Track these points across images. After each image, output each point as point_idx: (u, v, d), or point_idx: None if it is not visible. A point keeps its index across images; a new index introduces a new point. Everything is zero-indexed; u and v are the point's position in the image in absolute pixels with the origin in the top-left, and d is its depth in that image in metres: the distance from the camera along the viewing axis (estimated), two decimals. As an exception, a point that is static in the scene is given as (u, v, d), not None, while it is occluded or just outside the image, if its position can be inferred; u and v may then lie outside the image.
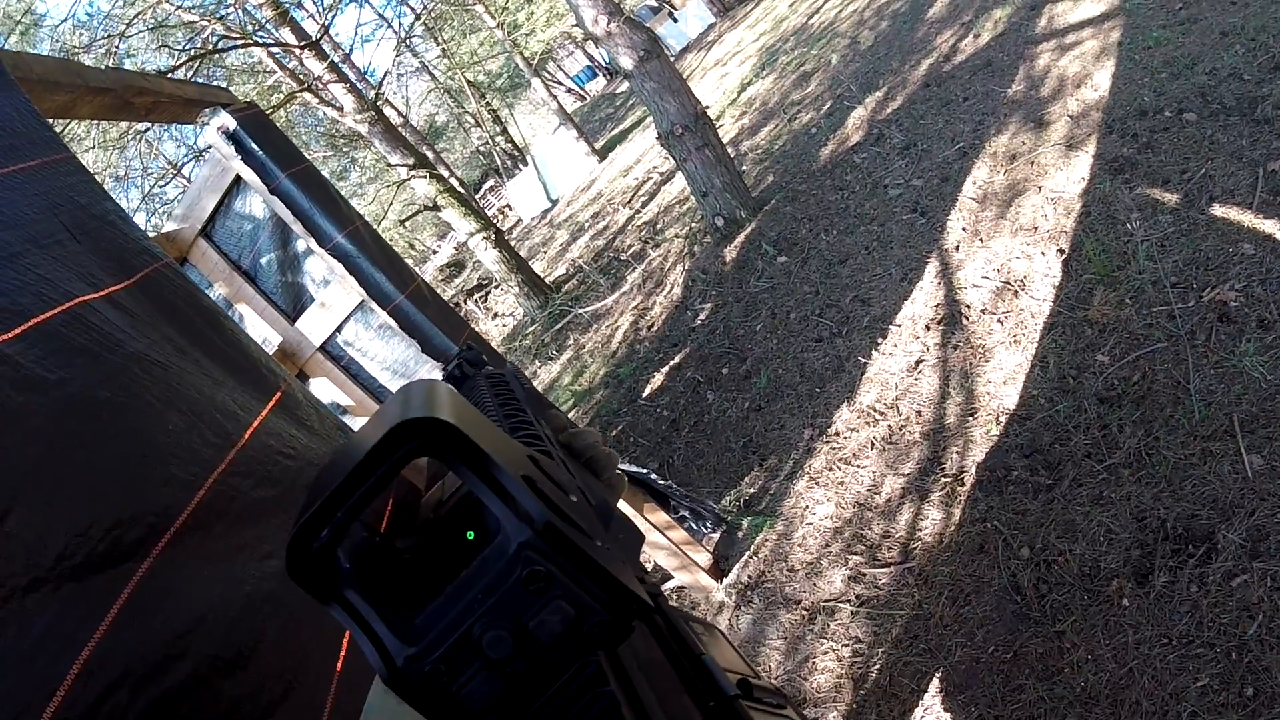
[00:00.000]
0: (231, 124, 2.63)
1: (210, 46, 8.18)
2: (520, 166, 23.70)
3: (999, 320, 3.96)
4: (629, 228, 10.52)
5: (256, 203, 2.91)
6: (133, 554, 0.99)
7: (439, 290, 18.79)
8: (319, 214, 2.75)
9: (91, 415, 1.05)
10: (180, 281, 1.47)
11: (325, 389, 3.21)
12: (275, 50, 9.24)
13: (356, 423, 3.13)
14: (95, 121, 8.85)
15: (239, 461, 1.25)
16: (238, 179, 2.82)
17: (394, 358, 3.07)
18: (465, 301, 13.93)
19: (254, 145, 2.66)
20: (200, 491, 1.15)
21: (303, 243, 2.89)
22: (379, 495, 0.41)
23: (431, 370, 2.95)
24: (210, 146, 2.75)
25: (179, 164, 11.88)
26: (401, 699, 0.42)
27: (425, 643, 0.42)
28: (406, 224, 20.30)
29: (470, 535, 0.56)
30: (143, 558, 1.00)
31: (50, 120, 1.80)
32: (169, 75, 7.44)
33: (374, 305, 2.87)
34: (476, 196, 27.52)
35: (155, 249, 1.47)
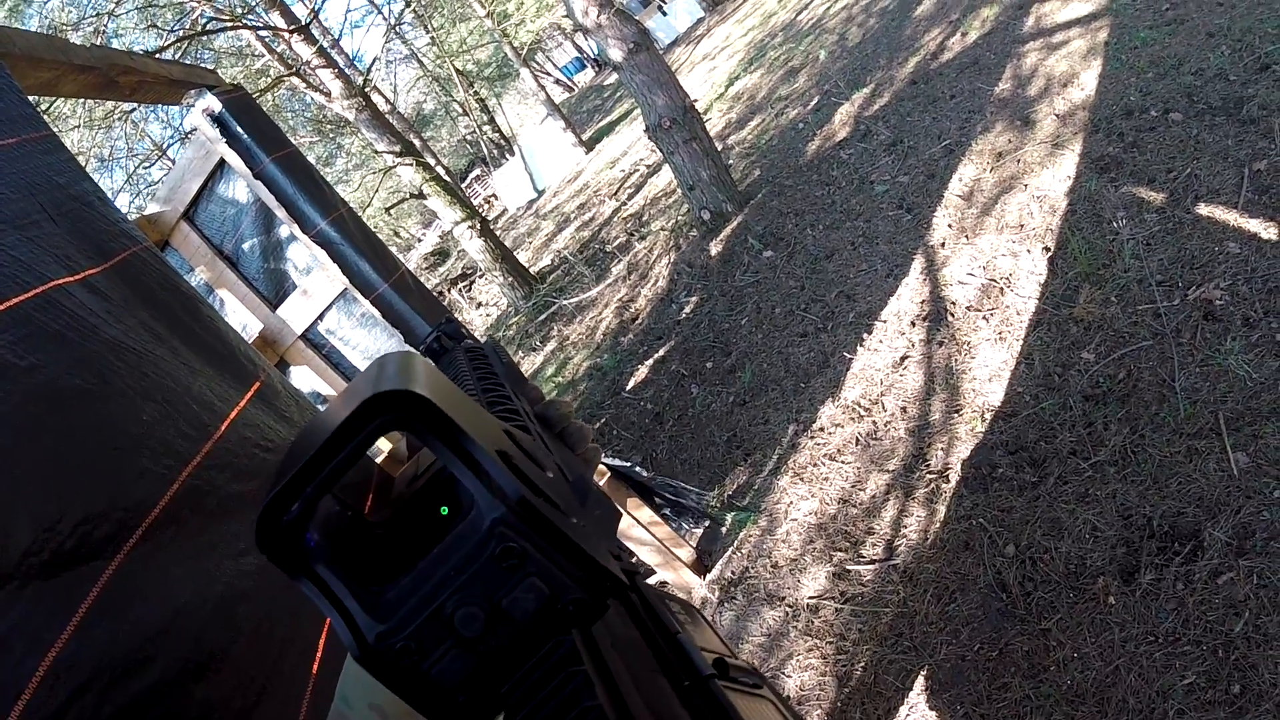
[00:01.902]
0: (217, 106, 2.59)
1: (199, 28, 8.08)
2: (507, 156, 23.60)
3: (984, 317, 3.95)
4: (615, 219, 10.48)
5: (240, 187, 2.86)
6: (102, 551, 0.97)
7: (423, 279, 18.72)
8: (303, 199, 2.72)
9: (62, 404, 1.02)
10: (159, 266, 1.44)
11: (306, 378, 3.18)
12: (264, 34, 9.14)
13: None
14: (81, 101, 8.76)
15: (215, 454, 1.23)
16: (222, 162, 2.78)
17: (377, 347, 3.04)
18: (449, 291, 13.87)
19: (239, 128, 2.62)
20: (174, 486, 1.12)
21: (286, 228, 2.85)
22: (351, 468, 0.40)
23: None
24: (195, 128, 2.71)
25: (165, 145, 11.75)
26: (377, 682, 0.41)
27: (396, 619, 0.41)
28: (392, 211, 20.17)
29: (444, 510, 0.54)
30: (113, 555, 0.98)
31: (33, 98, 1.76)
32: (156, 56, 7.36)
33: (357, 293, 2.83)
34: (463, 185, 27.41)
35: (134, 232, 1.44)
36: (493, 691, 0.43)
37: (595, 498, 0.59)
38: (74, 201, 1.35)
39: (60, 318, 1.10)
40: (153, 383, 1.19)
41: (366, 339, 3.05)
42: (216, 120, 2.60)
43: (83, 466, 1.00)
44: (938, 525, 3.15)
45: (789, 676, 3.06)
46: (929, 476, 3.37)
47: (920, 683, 2.71)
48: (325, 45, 9.03)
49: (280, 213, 2.72)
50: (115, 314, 1.22)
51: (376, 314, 2.84)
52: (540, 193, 18.53)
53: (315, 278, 2.92)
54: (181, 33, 7.93)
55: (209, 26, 8.12)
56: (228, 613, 1.08)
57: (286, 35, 8.05)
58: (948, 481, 3.29)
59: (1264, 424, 2.64)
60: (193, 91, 2.56)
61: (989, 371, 3.63)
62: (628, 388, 5.97)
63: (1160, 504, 2.65)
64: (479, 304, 12.46)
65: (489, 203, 23.51)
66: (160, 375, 1.21)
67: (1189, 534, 2.52)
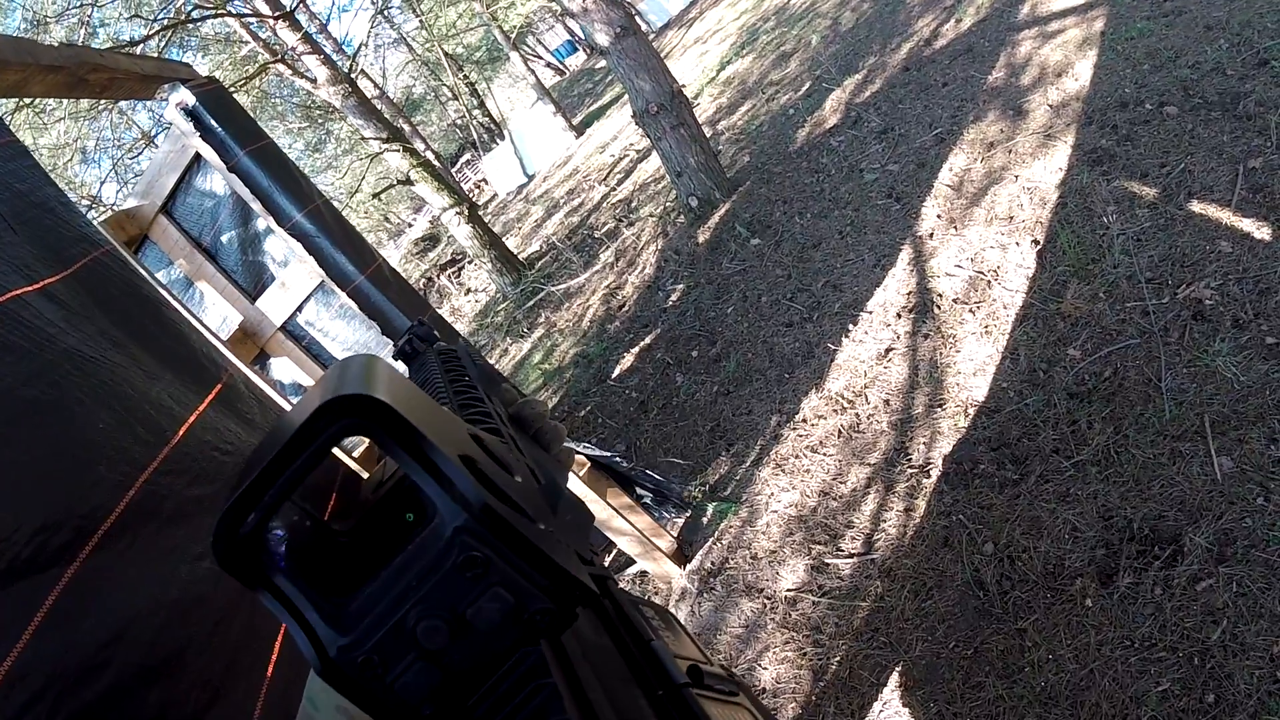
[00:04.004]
0: (190, 100, 2.56)
1: (183, 15, 8.01)
2: (497, 141, 23.52)
3: (971, 310, 3.94)
4: (604, 205, 10.45)
5: (217, 180, 2.85)
6: (58, 559, 0.97)
7: (413, 264, 18.65)
8: (278, 192, 2.70)
9: (18, 416, 1.02)
10: (121, 270, 1.43)
11: (287, 369, 3.17)
12: (250, 20, 9.06)
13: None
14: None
15: (172, 459, 1.22)
16: (198, 156, 2.76)
17: (355, 339, 3.04)
18: (439, 276, 13.83)
19: (213, 122, 2.60)
20: (130, 492, 1.12)
21: (263, 221, 2.84)
22: (309, 475, 0.39)
23: (390, 351, 2.91)
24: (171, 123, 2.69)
25: (152, 134, 11.67)
26: (336, 691, 0.41)
27: (358, 632, 0.40)
28: (382, 196, 20.12)
29: (410, 518, 0.54)
30: (69, 562, 0.99)
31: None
32: (141, 44, 7.32)
33: (333, 286, 2.82)
34: (453, 170, 27.30)
35: (96, 235, 1.43)
36: (459, 704, 0.42)
37: (567, 502, 0.58)
38: (35, 209, 1.34)
39: (18, 329, 1.10)
40: (110, 390, 1.18)
41: (346, 330, 3.04)
42: (190, 114, 2.58)
43: (39, 477, 1.00)
44: (917, 521, 3.15)
45: (765, 669, 3.06)
46: (910, 471, 3.37)
47: (895, 679, 2.71)
48: (312, 31, 8.96)
49: (256, 206, 2.70)
50: (74, 322, 1.22)
51: (354, 306, 2.82)
52: (530, 178, 18.47)
53: (293, 270, 2.90)
54: (166, 21, 7.85)
55: (193, 14, 8.03)
56: (182, 617, 1.08)
57: (271, 21, 7.97)
58: (929, 477, 3.28)
59: (1250, 428, 2.63)
60: (166, 86, 2.54)
61: (974, 366, 3.63)
62: (613, 375, 5.96)
63: (1142, 506, 2.64)
64: (468, 290, 12.44)
65: (479, 187, 23.44)
66: (117, 382, 1.21)
67: (1169, 538, 2.51)
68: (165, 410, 1.27)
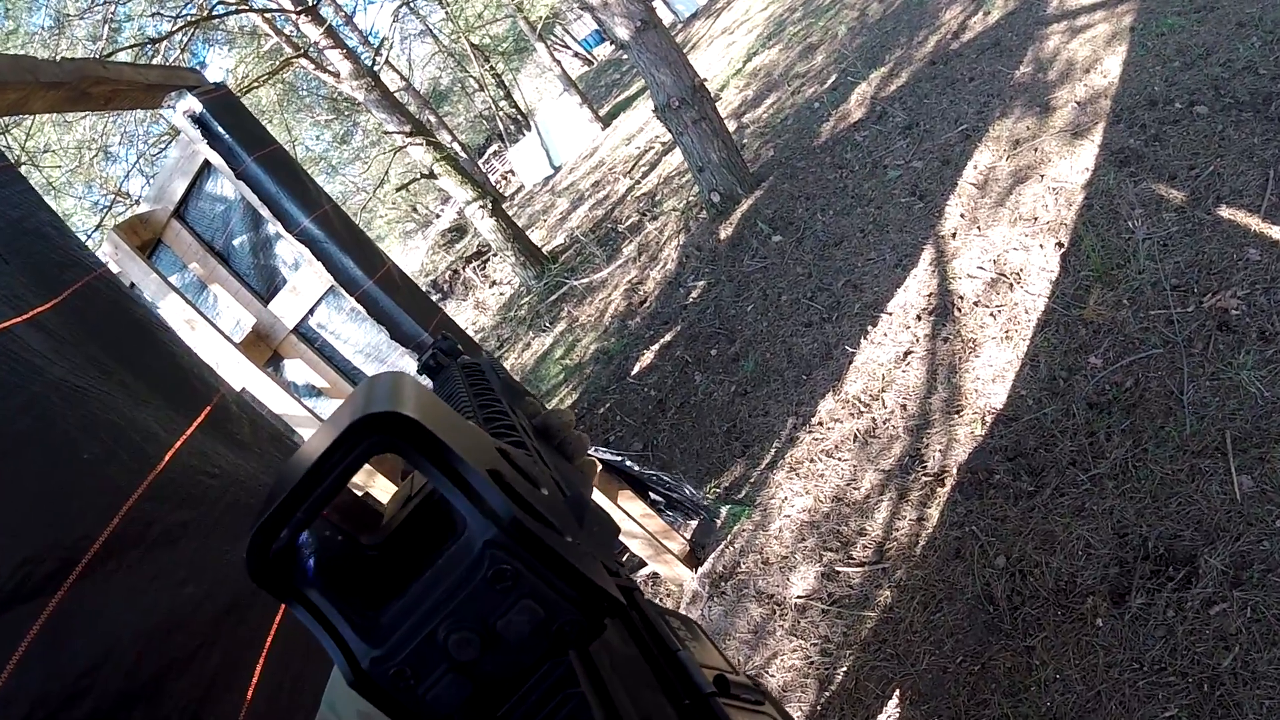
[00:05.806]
0: (197, 107, 2.58)
1: (206, 11, 8.04)
2: (524, 132, 23.51)
3: (992, 314, 3.89)
4: (628, 198, 10.43)
5: (227, 185, 2.88)
6: (43, 589, 0.99)
7: (441, 255, 18.72)
8: (286, 198, 2.71)
9: (5, 450, 1.05)
10: (112, 294, 1.44)
11: (300, 371, 3.19)
12: (274, 13, 9.09)
13: (328, 406, 3.12)
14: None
15: (157, 485, 1.23)
16: (207, 162, 2.78)
17: (367, 341, 3.05)
18: (464, 268, 13.87)
19: (220, 129, 2.62)
20: (113, 521, 1.13)
21: (273, 226, 2.85)
22: (340, 492, 0.40)
23: (403, 355, 2.92)
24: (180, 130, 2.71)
25: (178, 131, 11.73)
26: (367, 701, 0.41)
27: (390, 644, 0.41)
28: (410, 188, 20.16)
29: (439, 532, 0.54)
30: (53, 592, 1.01)
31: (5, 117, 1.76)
32: (164, 40, 7.35)
33: (342, 290, 2.83)
34: (480, 162, 27.31)
35: (89, 259, 1.43)
36: (489, 715, 0.43)
37: (593, 514, 0.58)
38: (28, 235, 1.35)
39: (7, 363, 1.12)
40: (96, 419, 1.20)
41: (357, 333, 3.05)
42: (198, 121, 2.59)
43: (25, 509, 1.03)
44: (930, 530, 3.12)
45: (772, 676, 3.05)
46: (924, 479, 3.33)
47: (900, 692, 2.68)
48: (338, 23, 8.99)
49: (264, 211, 2.71)
50: (62, 351, 1.24)
51: (362, 310, 2.83)
52: (556, 169, 18.45)
53: (303, 273, 2.92)
54: (189, 17, 7.89)
55: (215, 9, 8.06)
56: (164, 643, 1.10)
57: (294, 15, 7.99)
58: (943, 485, 3.24)
59: (1273, 447, 2.56)
60: (173, 94, 2.54)
61: (993, 372, 3.58)
62: (633, 373, 5.96)
63: (1158, 524, 2.59)
64: (493, 282, 12.48)
65: (506, 179, 23.48)
66: (104, 410, 1.22)
67: (1185, 559, 2.45)
68: (152, 436, 1.27)
